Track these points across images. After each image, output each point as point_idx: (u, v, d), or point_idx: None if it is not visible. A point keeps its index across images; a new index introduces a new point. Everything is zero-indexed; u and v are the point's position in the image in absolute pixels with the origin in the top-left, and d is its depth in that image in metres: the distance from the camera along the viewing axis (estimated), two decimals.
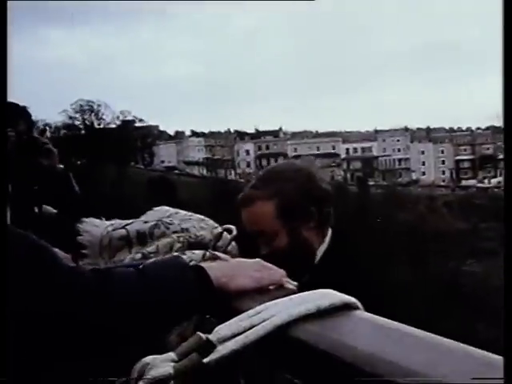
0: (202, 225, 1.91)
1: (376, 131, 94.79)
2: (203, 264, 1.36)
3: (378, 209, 47.33)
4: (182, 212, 1.99)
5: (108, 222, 1.99)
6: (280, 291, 1.34)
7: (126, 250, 1.87)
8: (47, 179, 3.16)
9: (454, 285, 35.28)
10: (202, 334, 1.11)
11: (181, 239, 1.81)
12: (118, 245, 1.88)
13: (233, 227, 1.87)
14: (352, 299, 1.15)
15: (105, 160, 58.44)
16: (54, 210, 3.31)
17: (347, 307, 1.14)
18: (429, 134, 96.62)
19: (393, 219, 44.35)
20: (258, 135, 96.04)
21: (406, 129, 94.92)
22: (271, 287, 1.38)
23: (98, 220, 2.02)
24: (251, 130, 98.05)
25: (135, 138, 72.07)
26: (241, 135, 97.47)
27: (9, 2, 1.14)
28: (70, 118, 64.25)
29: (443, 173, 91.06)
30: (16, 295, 1.07)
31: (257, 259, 1.44)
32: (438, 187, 77.56)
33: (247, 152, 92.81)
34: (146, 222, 1.91)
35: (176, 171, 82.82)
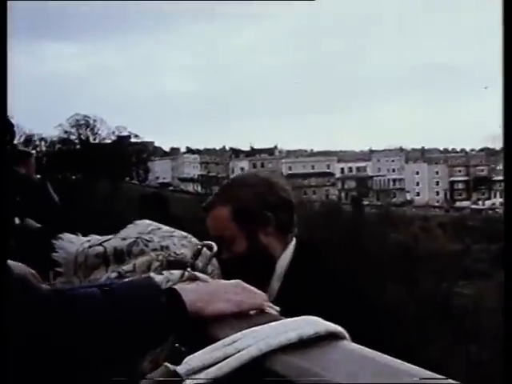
0: (183, 242, 1.83)
1: (371, 151, 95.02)
2: (178, 286, 1.29)
3: (372, 228, 47.29)
4: (164, 228, 1.92)
5: (85, 238, 1.90)
6: (261, 317, 1.26)
7: (102, 269, 1.78)
8: (23, 189, 3.06)
9: (446, 306, 35.16)
10: (169, 365, 1.03)
11: (159, 258, 1.73)
12: (95, 263, 1.79)
13: (213, 244, 1.79)
14: (338, 328, 1.09)
15: (99, 175, 58.32)
16: (37, 224, 3.23)
17: (333, 337, 1.07)
18: (423, 155, 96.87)
19: (386, 239, 44.32)
20: (253, 153, 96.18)
21: (401, 149, 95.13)
22: (251, 312, 1.30)
23: (74, 236, 1.93)
24: (246, 148, 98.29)
25: (130, 154, 72.00)
26: (236, 152, 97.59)
27: (9, 2, 1.14)
28: (66, 132, 64.17)
29: (437, 193, 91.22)
30: None
31: (237, 280, 1.36)
32: (432, 208, 77.80)
33: (242, 169, 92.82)
34: (124, 239, 1.82)
35: (170, 187, 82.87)
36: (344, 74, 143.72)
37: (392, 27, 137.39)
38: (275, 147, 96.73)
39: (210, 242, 1.82)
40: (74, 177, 59.85)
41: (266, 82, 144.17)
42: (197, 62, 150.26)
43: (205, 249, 1.79)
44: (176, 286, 1.28)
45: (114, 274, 1.71)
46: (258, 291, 1.35)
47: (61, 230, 2.49)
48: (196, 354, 1.05)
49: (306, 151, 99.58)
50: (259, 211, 1.91)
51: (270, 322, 1.12)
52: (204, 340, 1.10)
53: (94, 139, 65.04)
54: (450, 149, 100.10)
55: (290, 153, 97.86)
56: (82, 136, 64.58)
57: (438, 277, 39.75)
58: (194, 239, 1.88)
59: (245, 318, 1.25)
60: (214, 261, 1.83)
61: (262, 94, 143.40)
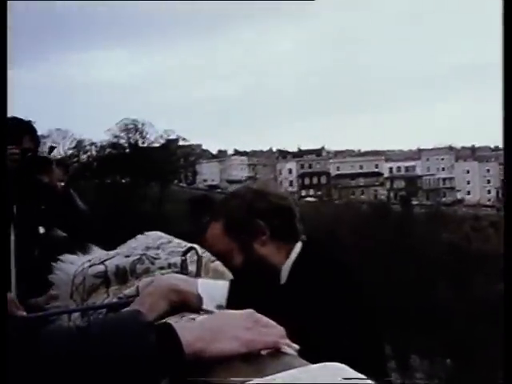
0: (194, 258, 1.70)
1: (420, 150, 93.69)
2: (176, 322, 1.11)
3: (422, 228, 46.63)
4: (176, 241, 1.82)
5: (87, 258, 1.77)
6: (275, 358, 1.05)
7: (102, 290, 1.63)
8: (47, 197, 3.03)
9: (498, 307, 34.43)
10: None
11: None
12: (94, 284, 1.64)
13: (195, 246, 1.74)
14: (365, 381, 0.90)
15: (148, 178, 58.97)
16: (64, 234, 3.17)
17: None
18: (474, 153, 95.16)
19: (437, 239, 43.67)
20: (300, 154, 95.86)
21: (451, 147, 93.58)
22: (264, 352, 1.08)
23: (75, 257, 1.81)
24: (294, 149, 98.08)
25: (178, 157, 72.55)
26: (283, 154, 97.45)
27: (9, 2, 1.14)
28: (116, 136, 64.93)
29: (489, 192, 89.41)
30: None
31: (249, 311, 1.15)
32: (483, 207, 76.23)
33: (290, 171, 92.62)
34: (127, 256, 1.68)
35: (218, 190, 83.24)
36: (391, 73, 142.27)
37: (438, 24, 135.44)
38: (322, 148, 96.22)
39: (193, 245, 1.74)
40: (123, 180, 60.61)
41: (313, 83, 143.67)
42: (243, 65, 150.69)
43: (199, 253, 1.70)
44: (173, 322, 1.11)
45: (113, 300, 1.56)
46: (274, 324, 1.14)
47: (86, 238, 2.54)
48: None
49: (353, 151, 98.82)
50: (249, 220, 1.84)
51: (285, 367, 0.93)
52: None
53: (143, 143, 65.66)
54: (500, 146, 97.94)
55: (337, 153, 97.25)
56: (131, 140, 65.26)
57: (491, 277, 39.00)
58: (206, 254, 1.80)
59: (255, 359, 1.05)
60: (210, 265, 1.76)
61: (308, 95, 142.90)
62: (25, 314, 1.61)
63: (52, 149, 4.61)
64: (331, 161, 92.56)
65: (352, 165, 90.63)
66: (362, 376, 0.91)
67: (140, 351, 0.97)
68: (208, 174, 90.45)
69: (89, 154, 66.57)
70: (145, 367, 0.96)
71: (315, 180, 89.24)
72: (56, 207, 3.01)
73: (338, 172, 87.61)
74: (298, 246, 1.86)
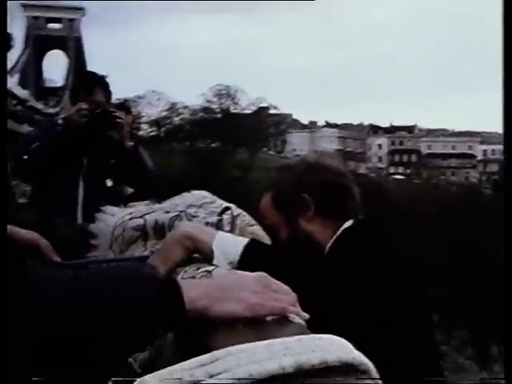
0: (237, 221, 1.68)
1: None
2: (182, 278, 1.08)
3: None
4: (219, 202, 1.79)
5: (128, 211, 1.78)
6: (283, 326, 0.99)
7: (140, 243, 1.64)
8: (115, 153, 3.05)
9: None
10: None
11: None
12: (132, 236, 1.65)
13: (231, 205, 1.73)
14: (358, 358, 0.83)
15: (238, 144, 59.58)
16: (130, 189, 3.25)
17: (348, 369, 0.81)
18: None
19: None
20: (392, 130, 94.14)
21: None
22: (269, 318, 1.01)
23: (117, 208, 1.82)
24: (385, 125, 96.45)
25: (268, 125, 72.79)
26: (374, 129, 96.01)
27: (9, 2, 1.13)
28: (208, 101, 65.69)
29: None
30: None
31: (261, 273, 1.08)
32: None
33: (380, 146, 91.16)
34: (167, 212, 1.67)
35: None
36: (488, 51, 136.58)
37: None
38: (415, 125, 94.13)
39: (229, 205, 1.72)
40: (213, 145, 61.35)
41: (408, 57, 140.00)
42: (336, 37, 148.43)
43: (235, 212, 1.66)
44: (179, 278, 1.09)
45: (146, 253, 1.56)
46: (287, 289, 1.07)
47: (152, 195, 2.58)
48: (153, 374, 0.81)
49: (447, 130, 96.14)
50: (296, 194, 1.76)
51: (289, 336, 0.88)
52: (203, 350, 0.87)
53: (235, 109, 66.22)
54: None
55: (430, 131, 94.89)
56: (222, 105, 65.90)
57: None
58: (247, 217, 1.78)
59: (259, 325, 0.99)
60: (247, 229, 1.71)
61: (403, 69, 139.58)
62: (59, 260, 1.61)
63: (125, 106, 4.42)
64: (423, 139, 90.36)
65: (444, 144, 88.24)
66: (355, 353, 0.85)
67: (137, 301, 0.93)
68: (297, 143, 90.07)
69: (182, 116, 67.65)
70: (142, 318, 0.93)
71: (405, 158, 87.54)
72: (124, 163, 3.04)
73: (430, 151, 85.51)
74: (347, 224, 1.77)
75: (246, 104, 66.84)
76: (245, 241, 1.50)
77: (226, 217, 1.69)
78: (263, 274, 1.07)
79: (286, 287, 1.07)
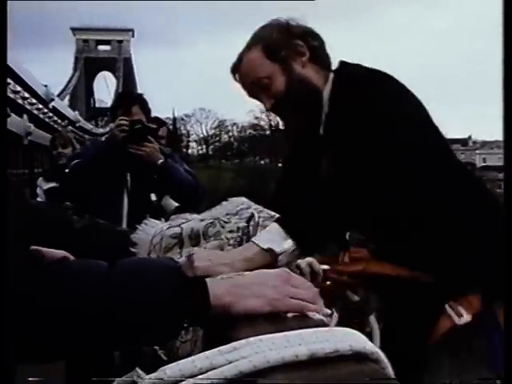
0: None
1: None
2: (211, 278, 1.06)
3: None
4: (253, 207, 1.81)
5: (168, 222, 1.86)
6: (300, 322, 1.00)
7: (176, 251, 1.72)
8: (149, 168, 3.11)
9: None
10: (140, 372, 0.92)
11: (231, 241, 1.65)
12: (169, 243, 1.73)
13: (254, 212, 1.76)
14: (373, 348, 0.86)
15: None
16: (175, 204, 3.26)
17: (360, 358, 0.84)
18: None
19: None
20: None
21: None
22: (289, 315, 1.04)
23: (158, 221, 1.90)
24: None
25: None
26: None
27: (9, 3, 1.09)
28: (257, 118, 66.23)
29: None
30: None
31: (282, 269, 1.14)
32: None
33: None
34: (202, 220, 1.76)
35: None
36: None
37: None
38: (469, 137, 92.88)
39: (253, 212, 1.75)
40: (262, 161, 61.61)
41: (460, 67, 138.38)
42: (392, 46, 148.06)
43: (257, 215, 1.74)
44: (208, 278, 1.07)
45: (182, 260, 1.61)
46: (308, 285, 1.10)
47: (196, 209, 2.55)
48: (179, 362, 0.86)
49: (503, 142, 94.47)
50: (289, 40, 1.81)
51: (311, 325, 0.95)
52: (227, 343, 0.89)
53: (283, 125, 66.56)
54: None
55: (484, 144, 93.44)
56: (271, 122, 66.33)
57: None
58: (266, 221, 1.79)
59: (279, 320, 1.01)
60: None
61: (455, 80, 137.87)
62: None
63: (163, 123, 4.60)
64: (478, 151, 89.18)
65: (500, 157, 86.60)
66: (367, 344, 0.87)
67: (161, 293, 0.97)
68: None
69: (230, 134, 68.30)
70: (165, 311, 0.96)
71: None
72: (162, 177, 3.11)
73: (484, 164, 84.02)
74: (332, 75, 1.84)
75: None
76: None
77: (252, 223, 1.75)
78: (285, 269, 1.14)
79: (307, 283, 1.11)
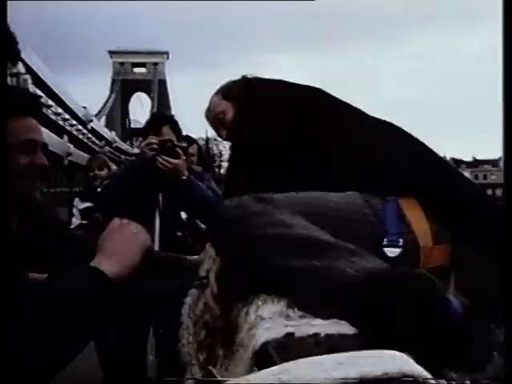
0: None
1: None
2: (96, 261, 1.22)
3: None
4: None
5: None
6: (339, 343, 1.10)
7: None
8: (171, 187, 3.11)
9: None
10: (214, 370, 1.09)
11: None
12: None
13: None
14: (421, 371, 0.93)
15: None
16: (202, 225, 3.26)
17: (409, 381, 0.90)
18: None
19: None
20: (475, 164, 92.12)
21: None
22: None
23: None
24: (468, 159, 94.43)
25: None
26: (457, 163, 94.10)
27: (9, 2, 1.15)
28: None
29: None
30: None
31: (111, 223, 1.30)
32: None
33: None
34: None
35: None
36: None
37: None
38: (500, 158, 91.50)
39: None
40: None
41: (491, 87, 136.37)
42: (417, 69, 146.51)
43: None
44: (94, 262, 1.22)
45: None
46: (128, 221, 1.31)
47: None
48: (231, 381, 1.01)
49: None
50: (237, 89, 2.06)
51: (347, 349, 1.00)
52: None
53: None
54: None
55: None
56: None
57: None
58: None
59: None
60: None
61: (486, 103, 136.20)
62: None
63: (193, 141, 4.46)
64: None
65: None
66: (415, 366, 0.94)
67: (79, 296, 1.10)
68: None
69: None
70: (80, 310, 1.09)
71: (489, 191, 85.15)
72: (178, 195, 3.08)
73: None
74: None
75: None
76: None
77: None
78: (114, 220, 1.30)
79: (132, 223, 1.30)
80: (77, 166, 21.92)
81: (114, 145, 32.39)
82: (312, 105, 1.76)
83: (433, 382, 0.89)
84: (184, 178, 3.05)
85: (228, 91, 2.05)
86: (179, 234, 3.01)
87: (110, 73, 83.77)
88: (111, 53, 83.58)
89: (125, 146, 42.16)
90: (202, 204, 3.02)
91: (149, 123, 3.30)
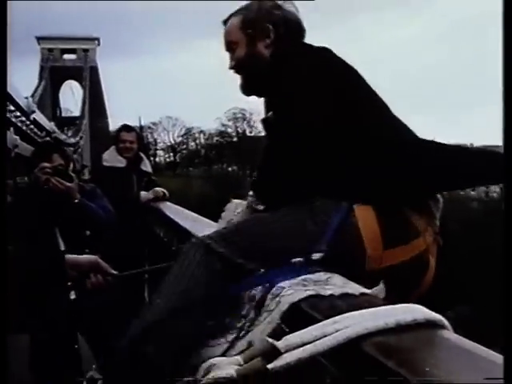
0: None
1: None
2: None
3: None
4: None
5: None
6: (364, 301, 1.33)
7: None
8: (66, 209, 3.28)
9: None
10: (268, 339, 1.11)
11: None
12: None
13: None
14: (438, 317, 1.12)
15: (255, 167, 59.39)
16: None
17: (432, 325, 1.11)
18: None
19: None
20: None
21: None
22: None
23: None
24: None
25: None
26: None
27: (9, 2, 1.17)
28: (223, 125, 65.95)
29: None
30: None
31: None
32: None
33: None
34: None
35: None
36: None
37: None
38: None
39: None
40: (229, 168, 61.46)
41: (433, 74, 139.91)
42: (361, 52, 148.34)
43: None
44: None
45: None
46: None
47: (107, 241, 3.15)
48: (296, 332, 1.13)
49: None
50: (261, 22, 2.09)
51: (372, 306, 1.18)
52: None
53: (251, 132, 66.36)
54: None
55: None
56: (238, 129, 66.08)
57: None
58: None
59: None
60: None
61: (426, 88, 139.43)
62: (115, 272, 2.15)
63: (83, 167, 4.69)
64: None
65: None
66: (434, 314, 1.12)
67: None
68: None
69: (197, 141, 68.00)
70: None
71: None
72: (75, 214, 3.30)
73: None
74: None
75: (262, 127, 66.68)
76: None
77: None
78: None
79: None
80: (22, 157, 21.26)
81: (53, 135, 31.47)
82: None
83: (448, 325, 1.11)
84: (76, 201, 3.31)
85: (249, 21, 2.10)
86: (87, 250, 3.09)
87: (38, 60, 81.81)
88: (39, 39, 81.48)
89: (63, 136, 41.18)
90: (93, 223, 3.36)
91: (38, 152, 3.46)
